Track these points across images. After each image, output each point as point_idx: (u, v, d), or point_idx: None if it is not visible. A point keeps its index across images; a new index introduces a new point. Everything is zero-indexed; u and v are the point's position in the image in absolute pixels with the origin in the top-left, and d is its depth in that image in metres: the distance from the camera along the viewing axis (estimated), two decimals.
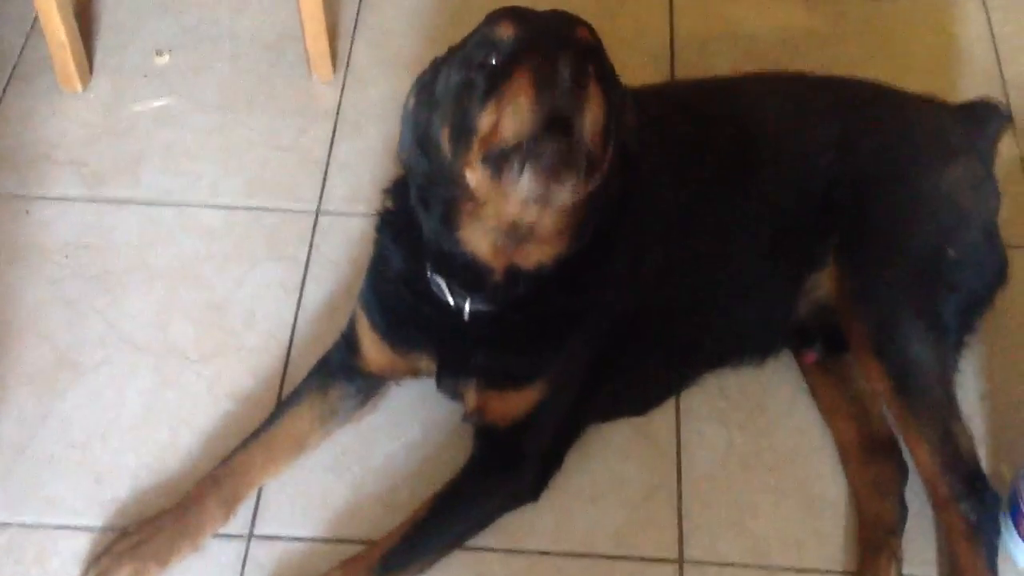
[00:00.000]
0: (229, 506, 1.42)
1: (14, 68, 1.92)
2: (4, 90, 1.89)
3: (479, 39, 1.23)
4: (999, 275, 1.55)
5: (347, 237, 1.72)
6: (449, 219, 1.28)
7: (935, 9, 2.07)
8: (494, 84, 1.17)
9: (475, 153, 1.19)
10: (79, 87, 1.89)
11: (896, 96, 1.62)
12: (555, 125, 1.12)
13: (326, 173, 1.80)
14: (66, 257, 1.69)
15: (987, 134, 1.59)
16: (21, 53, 1.94)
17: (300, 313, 1.64)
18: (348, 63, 1.95)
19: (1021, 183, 1.79)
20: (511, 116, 1.13)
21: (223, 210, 1.76)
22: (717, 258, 1.52)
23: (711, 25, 2.03)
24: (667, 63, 1.95)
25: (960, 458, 1.40)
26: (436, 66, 1.32)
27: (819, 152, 1.53)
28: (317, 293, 1.66)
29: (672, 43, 1.99)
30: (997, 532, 1.40)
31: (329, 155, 1.83)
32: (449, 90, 1.24)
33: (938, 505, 1.41)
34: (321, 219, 1.75)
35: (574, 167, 1.15)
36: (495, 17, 1.24)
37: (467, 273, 1.31)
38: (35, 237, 1.71)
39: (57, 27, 1.80)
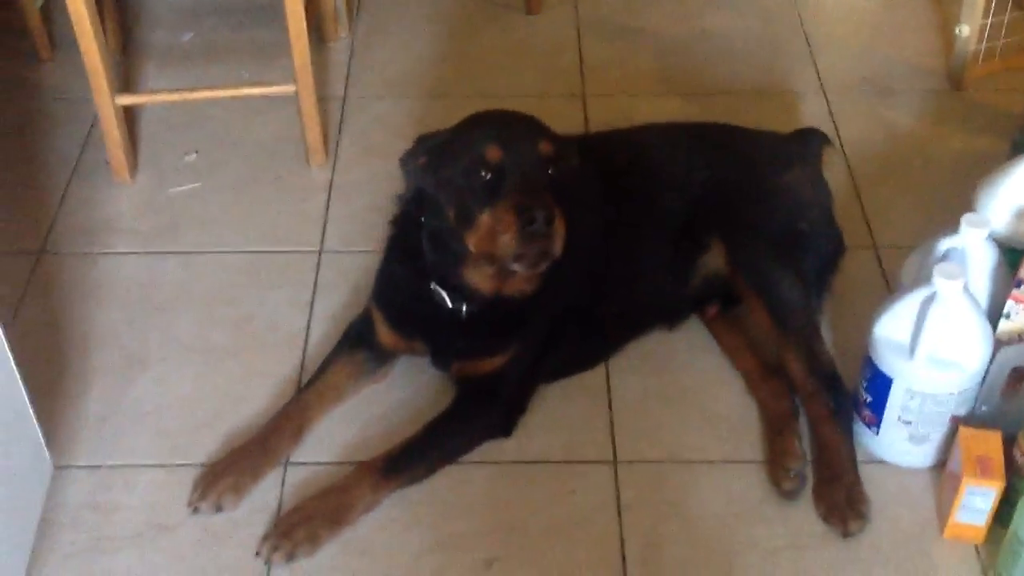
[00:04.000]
0: (297, 435, 1.88)
1: (75, 166, 2.46)
2: (68, 182, 2.42)
3: (474, 157, 1.71)
4: (839, 245, 2.12)
5: (342, 268, 2.23)
6: (455, 264, 1.81)
7: (785, 100, 2.68)
8: (490, 200, 1.70)
9: (475, 246, 1.73)
10: (128, 179, 2.42)
11: (745, 130, 2.20)
12: (535, 239, 1.67)
13: (325, 226, 2.33)
14: (127, 291, 2.18)
15: (813, 150, 2.18)
16: (80, 156, 2.49)
17: (312, 320, 2.12)
18: (336, 153, 2.51)
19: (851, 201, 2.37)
20: (502, 242, 1.69)
21: (246, 254, 2.27)
22: (634, 257, 2.03)
23: (616, 116, 2.62)
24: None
25: (821, 365, 1.89)
26: (435, 148, 1.79)
27: (695, 172, 2.07)
28: (323, 306, 2.15)
29: (586, 126, 2.58)
30: (851, 417, 1.87)
31: (326, 215, 2.36)
32: (454, 185, 1.75)
33: (805, 400, 1.89)
34: (323, 256, 2.26)
35: (548, 255, 1.71)
36: (483, 139, 1.72)
37: (464, 291, 1.84)
38: (102, 279, 2.21)
39: (114, 130, 2.35)
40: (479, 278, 1.82)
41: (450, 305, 1.86)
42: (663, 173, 2.09)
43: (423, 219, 1.85)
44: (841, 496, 1.78)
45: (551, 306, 1.91)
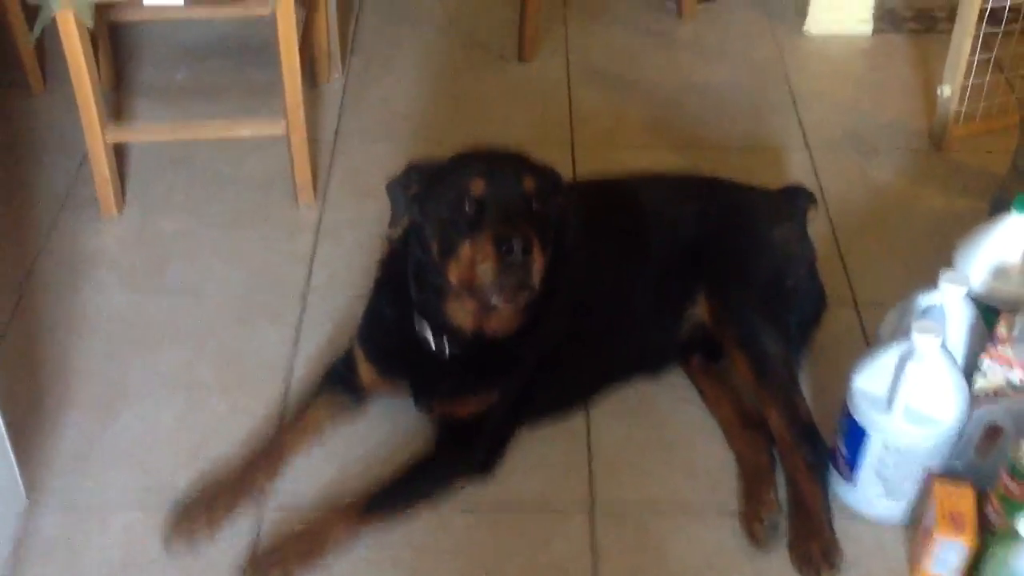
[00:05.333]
0: (273, 473, 1.89)
1: (64, 199, 2.47)
2: (56, 215, 2.43)
3: (459, 191, 1.74)
4: (821, 301, 2.14)
5: (328, 308, 2.24)
6: (438, 300, 1.83)
7: (770, 155, 2.71)
8: (471, 232, 1.73)
9: (455, 277, 1.75)
10: (115, 213, 2.43)
11: (735, 184, 2.23)
12: (513, 269, 1.69)
13: (311, 266, 2.34)
14: (110, 326, 2.19)
15: (799, 207, 2.20)
16: (69, 189, 2.50)
17: (296, 359, 2.13)
18: (325, 193, 2.53)
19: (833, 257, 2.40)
20: (480, 272, 1.71)
21: (231, 292, 2.28)
22: (622, 304, 2.05)
23: (604, 165, 2.64)
24: None
25: (799, 418, 1.90)
26: (424, 179, 1.82)
27: (686, 223, 2.09)
28: (307, 346, 2.16)
29: (574, 174, 2.61)
30: (828, 470, 1.88)
31: (313, 254, 2.37)
32: (439, 217, 1.78)
33: (784, 452, 1.89)
34: (309, 297, 2.27)
35: (525, 289, 1.73)
36: (468, 173, 1.75)
37: (447, 329, 1.85)
38: (86, 313, 2.21)
39: (103, 165, 2.37)
40: (460, 314, 1.83)
41: (433, 346, 1.87)
42: (653, 222, 2.11)
43: (410, 256, 1.86)
44: (816, 550, 1.79)
45: (534, 350, 1.92)
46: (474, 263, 1.72)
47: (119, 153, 2.51)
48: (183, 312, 2.23)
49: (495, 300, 1.74)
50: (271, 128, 2.42)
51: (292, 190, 2.50)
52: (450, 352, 1.87)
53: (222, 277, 2.31)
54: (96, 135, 2.33)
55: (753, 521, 1.83)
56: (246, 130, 2.47)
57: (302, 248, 2.39)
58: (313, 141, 2.62)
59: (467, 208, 1.74)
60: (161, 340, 2.17)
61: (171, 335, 2.18)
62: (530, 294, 1.74)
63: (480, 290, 1.73)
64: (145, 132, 2.54)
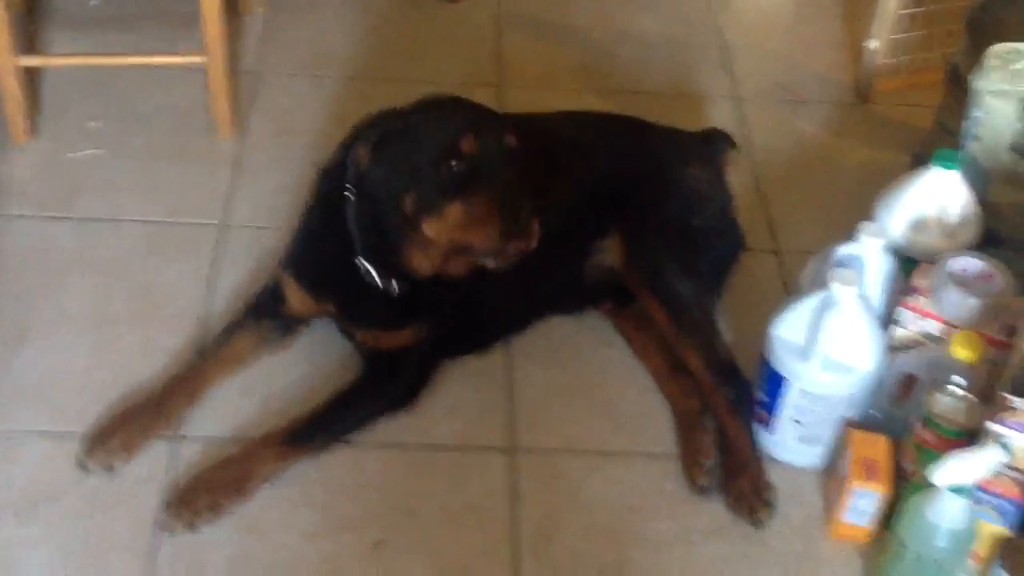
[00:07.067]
0: (192, 399, 1.85)
1: None
2: None
3: (444, 146, 1.67)
4: (737, 242, 2.14)
5: (245, 245, 2.18)
6: (395, 245, 1.77)
7: (699, 103, 2.71)
8: (464, 192, 1.66)
9: (438, 234, 1.70)
10: (25, 141, 2.34)
11: (650, 124, 2.21)
12: (518, 236, 1.66)
13: (228, 201, 2.28)
14: (17, 256, 2.11)
15: (717, 151, 2.20)
16: None
17: (210, 294, 2.08)
18: (245, 128, 2.46)
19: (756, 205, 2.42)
20: (484, 235, 1.66)
21: (145, 224, 2.21)
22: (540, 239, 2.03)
23: (530, 108, 2.59)
24: None
25: (718, 358, 1.90)
26: (385, 138, 1.73)
27: (598, 159, 2.07)
28: (222, 281, 2.10)
29: None
30: (752, 407, 1.88)
31: (231, 190, 2.31)
32: (414, 172, 1.69)
33: (707, 393, 1.89)
34: (224, 231, 2.21)
35: (523, 253, 1.68)
36: (454, 127, 1.68)
37: (399, 271, 1.80)
38: None
39: (14, 91, 2.27)
40: (422, 260, 1.78)
41: (379, 283, 1.82)
42: (565, 157, 2.07)
43: (352, 198, 1.78)
44: (747, 486, 1.80)
45: (472, 283, 1.88)
46: (468, 225, 1.67)
47: (32, 80, 2.41)
48: (95, 245, 2.15)
49: (491, 263, 1.71)
50: (190, 60, 2.34)
51: (211, 124, 2.42)
52: (399, 290, 1.83)
53: (136, 211, 2.24)
54: (6, 60, 2.23)
55: (693, 467, 1.84)
56: (163, 60, 2.38)
57: (220, 183, 2.32)
58: (234, 74, 2.54)
59: (454, 165, 1.68)
60: (71, 273, 2.09)
61: (82, 268, 2.10)
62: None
63: (474, 251, 1.70)
64: (58, 59, 2.44)
